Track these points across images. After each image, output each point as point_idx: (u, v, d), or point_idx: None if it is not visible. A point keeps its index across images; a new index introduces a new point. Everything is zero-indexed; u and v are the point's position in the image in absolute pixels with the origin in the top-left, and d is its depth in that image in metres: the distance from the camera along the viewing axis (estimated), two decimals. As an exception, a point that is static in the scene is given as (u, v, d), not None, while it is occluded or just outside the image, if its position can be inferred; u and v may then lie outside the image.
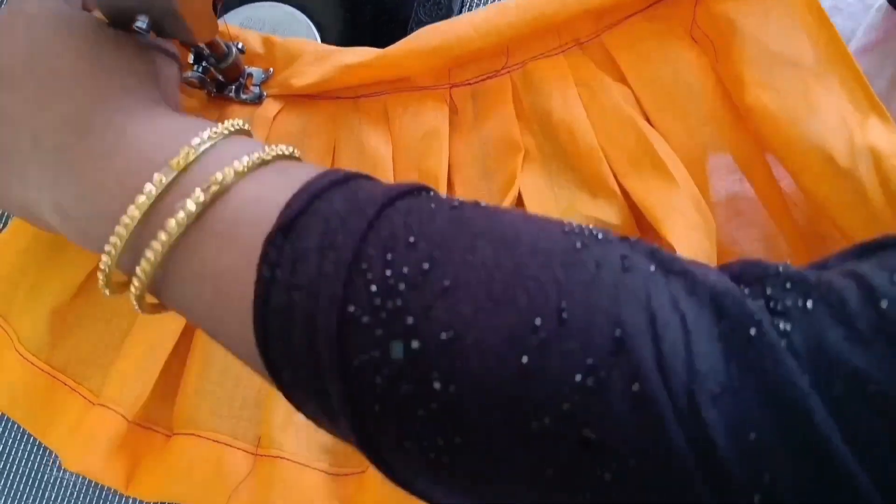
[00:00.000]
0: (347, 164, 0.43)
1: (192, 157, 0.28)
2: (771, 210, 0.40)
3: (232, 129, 0.30)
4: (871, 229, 0.36)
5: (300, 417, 0.38)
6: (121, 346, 0.43)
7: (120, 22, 0.37)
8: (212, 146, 0.29)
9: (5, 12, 0.35)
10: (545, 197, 0.41)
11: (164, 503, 0.40)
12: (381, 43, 0.42)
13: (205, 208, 0.27)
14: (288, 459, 0.40)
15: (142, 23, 0.36)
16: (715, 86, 0.40)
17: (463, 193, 0.41)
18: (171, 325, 0.42)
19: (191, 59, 0.42)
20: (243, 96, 0.44)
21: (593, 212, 0.40)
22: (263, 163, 0.29)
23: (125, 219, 0.28)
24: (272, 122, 0.44)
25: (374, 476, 0.39)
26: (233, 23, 0.46)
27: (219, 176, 0.27)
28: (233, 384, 0.42)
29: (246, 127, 0.31)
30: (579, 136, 0.41)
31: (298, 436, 0.40)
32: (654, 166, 0.39)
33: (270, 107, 0.44)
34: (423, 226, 0.25)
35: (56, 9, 0.35)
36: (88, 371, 0.43)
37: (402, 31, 0.47)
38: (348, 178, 0.28)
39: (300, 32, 0.46)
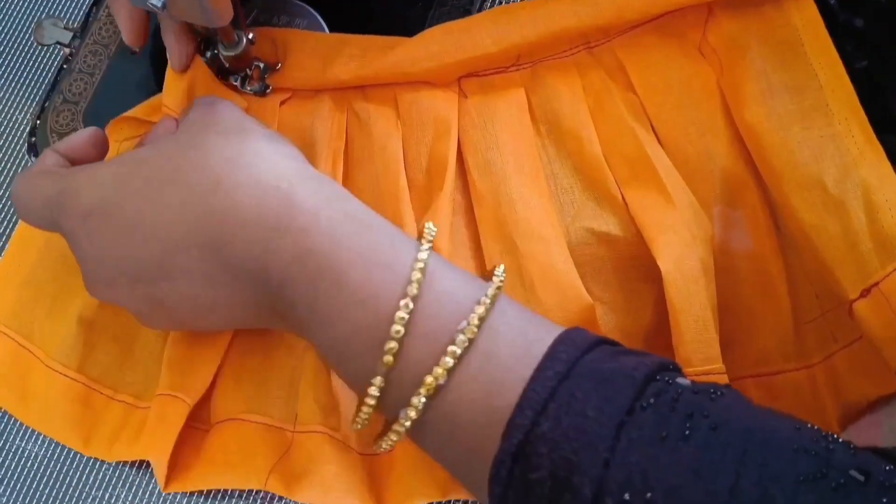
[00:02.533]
0: (358, 150, 0.43)
1: (411, 309, 0.30)
2: (759, 237, 0.40)
3: (429, 251, 0.32)
4: (849, 263, 0.36)
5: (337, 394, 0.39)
6: (157, 344, 0.42)
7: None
8: (428, 276, 0.31)
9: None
10: (550, 202, 0.41)
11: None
12: (392, 30, 0.43)
13: (454, 367, 0.29)
14: (326, 434, 0.40)
15: (157, 0, 0.37)
16: (719, 99, 0.41)
17: (476, 175, 0.42)
18: None
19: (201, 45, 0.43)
20: (248, 88, 0.45)
21: (599, 224, 0.40)
22: (486, 314, 0.30)
23: (375, 383, 0.30)
24: (279, 109, 0.44)
25: (398, 458, 0.39)
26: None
27: (462, 339, 0.29)
28: (270, 367, 0.41)
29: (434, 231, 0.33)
30: (586, 143, 0.41)
31: (330, 413, 0.40)
32: (650, 178, 0.39)
33: (277, 95, 0.44)
34: (661, 472, 0.25)
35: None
36: (127, 377, 0.42)
37: (419, 20, 0.47)
38: (573, 367, 0.28)
39: (310, 25, 0.47)
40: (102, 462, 0.41)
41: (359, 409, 0.32)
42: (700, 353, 0.36)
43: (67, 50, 0.48)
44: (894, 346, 0.35)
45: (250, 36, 0.43)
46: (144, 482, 0.41)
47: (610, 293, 0.40)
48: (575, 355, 0.28)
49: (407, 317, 0.29)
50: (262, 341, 0.41)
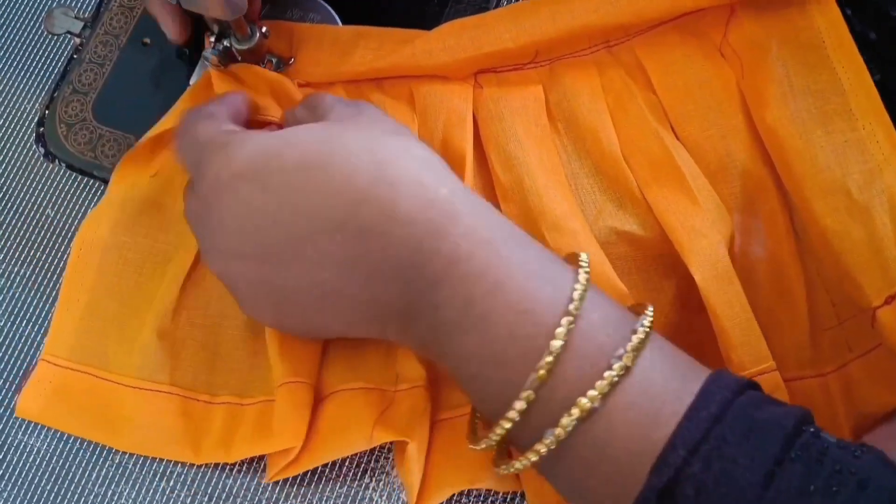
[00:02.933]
0: None
1: (571, 327, 0.29)
2: (777, 242, 0.40)
3: (587, 276, 0.31)
4: (873, 270, 0.36)
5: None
6: (245, 341, 0.41)
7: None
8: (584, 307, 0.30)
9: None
10: (574, 197, 0.41)
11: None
12: (407, 26, 0.43)
13: (603, 398, 0.29)
14: (424, 387, 0.39)
15: (171, -8, 0.36)
16: (739, 101, 0.41)
17: (500, 168, 0.41)
18: None
19: (212, 37, 0.42)
20: (260, 81, 0.44)
21: (620, 224, 0.40)
22: (642, 344, 0.30)
23: (518, 404, 0.30)
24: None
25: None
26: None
27: (619, 364, 0.29)
28: (364, 343, 0.40)
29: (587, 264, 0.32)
30: (604, 143, 0.41)
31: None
32: (675, 179, 0.39)
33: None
34: None
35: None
36: (219, 379, 0.41)
37: (434, 17, 0.47)
38: (726, 409, 0.28)
39: (323, 20, 0.46)
40: (105, 458, 0.41)
41: (488, 425, 0.31)
42: (750, 354, 0.36)
43: (78, 40, 0.48)
44: None
45: (263, 30, 0.42)
46: (148, 479, 0.41)
47: (636, 293, 0.40)
48: (727, 397, 0.28)
49: (566, 330, 0.29)
50: None
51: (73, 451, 0.41)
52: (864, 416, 0.38)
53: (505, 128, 0.41)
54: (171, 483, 0.41)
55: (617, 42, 0.43)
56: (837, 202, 0.37)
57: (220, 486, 0.40)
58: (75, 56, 0.47)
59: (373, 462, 0.41)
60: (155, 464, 0.41)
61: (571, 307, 0.29)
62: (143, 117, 0.44)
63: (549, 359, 0.29)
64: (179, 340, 0.42)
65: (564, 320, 0.29)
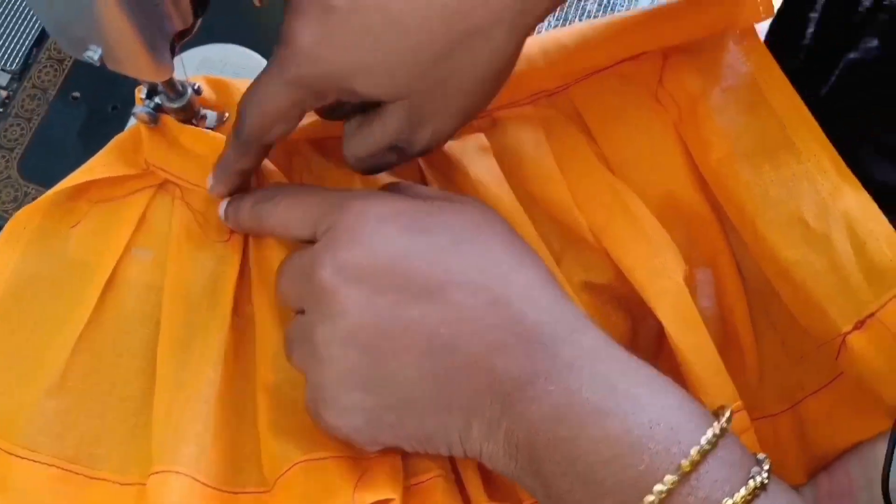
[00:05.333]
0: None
1: (687, 469, 0.28)
2: (723, 285, 0.40)
3: (725, 428, 0.29)
4: (839, 296, 0.36)
5: None
6: (133, 415, 0.39)
7: (73, 50, 0.36)
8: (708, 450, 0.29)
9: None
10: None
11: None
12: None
13: None
14: (397, 452, 0.37)
15: (93, 52, 0.36)
16: (679, 146, 0.41)
17: None
18: (206, 373, 0.38)
19: (143, 93, 0.41)
20: (194, 138, 0.43)
21: (583, 274, 0.40)
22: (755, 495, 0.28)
23: None
24: None
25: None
26: (189, 63, 0.45)
27: None
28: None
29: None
30: (553, 190, 0.40)
31: None
32: (629, 223, 0.39)
33: None
34: None
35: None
36: (102, 451, 0.39)
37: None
38: None
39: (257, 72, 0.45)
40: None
41: None
42: (721, 396, 0.36)
43: (4, 93, 0.46)
44: (893, 378, 0.34)
45: (196, 86, 0.41)
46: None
47: None
48: None
49: (673, 480, 0.28)
50: (297, 395, 0.39)
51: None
52: (817, 458, 0.39)
53: (451, 184, 0.41)
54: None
55: (555, 91, 0.43)
56: (795, 234, 0.37)
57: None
58: (1, 110, 0.46)
59: None
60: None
61: (685, 462, 0.28)
62: (72, 175, 0.43)
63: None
64: (66, 407, 0.39)
65: (668, 479, 0.28)
